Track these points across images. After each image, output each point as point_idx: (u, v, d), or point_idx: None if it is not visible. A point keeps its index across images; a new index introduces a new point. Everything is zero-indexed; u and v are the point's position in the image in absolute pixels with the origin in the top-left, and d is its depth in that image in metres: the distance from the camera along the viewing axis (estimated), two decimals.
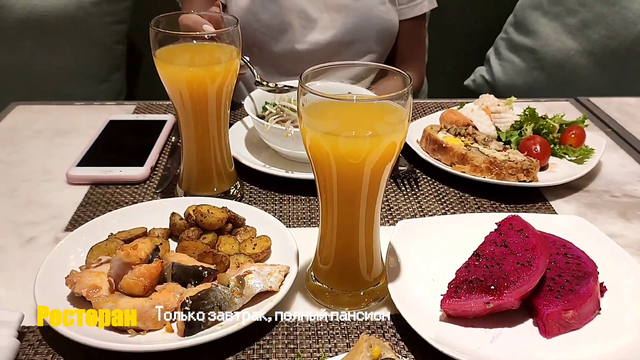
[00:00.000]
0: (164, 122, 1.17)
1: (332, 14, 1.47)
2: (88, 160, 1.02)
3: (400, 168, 1.05)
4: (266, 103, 1.12)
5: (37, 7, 1.80)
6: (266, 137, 1.03)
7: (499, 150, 1.02)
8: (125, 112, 1.26)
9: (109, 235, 0.79)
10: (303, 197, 0.96)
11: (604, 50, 1.80)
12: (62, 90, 1.88)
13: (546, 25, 1.86)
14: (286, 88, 1.08)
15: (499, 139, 1.10)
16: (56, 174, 1.00)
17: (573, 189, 0.99)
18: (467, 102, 1.23)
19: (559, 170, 1.02)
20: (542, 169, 1.03)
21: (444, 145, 1.02)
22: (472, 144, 1.04)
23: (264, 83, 1.07)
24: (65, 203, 0.92)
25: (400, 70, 0.70)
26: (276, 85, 1.08)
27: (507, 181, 0.96)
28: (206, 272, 0.72)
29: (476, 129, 1.10)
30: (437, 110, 1.25)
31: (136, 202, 0.93)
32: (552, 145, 1.06)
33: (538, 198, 0.97)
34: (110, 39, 1.92)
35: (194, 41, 0.88)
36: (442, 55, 2.09)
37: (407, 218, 0.92)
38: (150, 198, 0.95)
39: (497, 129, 1.11)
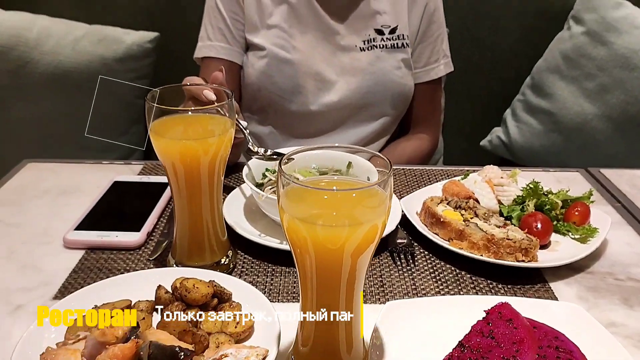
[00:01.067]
0: (166, 184, 1.18)
1: (347, 77, 1.49)
2: (86, 223, 1.04)
3: (398, 241, 1.03)
4: (266, 170, 1.13)
5: (62, 63, 1.87)
6: (263, 206, 1.03)
7: (498, 227, 1.00)
8: (132, 172, 1.28)
9: (92, 308, 0.79)
10: (296, 270, 0.95)
11: (623, 116, 1.77)
12: (81, 142, 1.93)
13: (564, 89, 1.85)
14: (274, 157, 1.08)
15: (501, 213, 1.07)
16: (55, 237, 1.01)
17: (575, 270, 0.95)
18: (474, 170, 1.21)
19: (561, 249, 0.99)
20: (544, 247, 1.00)
21: (442, 219, 1.00)
22: (471, 218, 1.02)
23: (254, 150, 1.07)
24: (59, 268, 0.93)
25: (379, 155, 0.70)
26: (265, 152, 1.08)
27: (505, 261, 0.93)
28: (183, 353, 0.70)
29: (478, 202, 1.08)
30: (442, 179, 1.24)
31: (129, 270, 0.94)
32: (555, 222, 1.03)
33: (537, 279, 0.93)
34: (132, 94, 1.97)
35: (189, 112, 0.90)
36: (459, 114, 2.08)
37: (399, 297, 0.89)
38: (143, 266, 0.96)
39: (500, 202, 1.09)
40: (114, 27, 1.96)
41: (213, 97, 0.99)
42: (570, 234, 1.02)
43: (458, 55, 1.94)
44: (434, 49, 1.59)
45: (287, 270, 0.95)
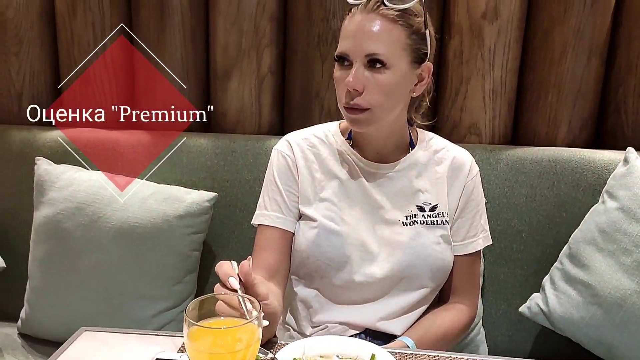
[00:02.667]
0: None
1: (390, 250, 1.61)
2: None
3: None
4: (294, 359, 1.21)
5: (129, 218, 2.10)
6: None
7: None
8: (174, 345, 1.39)
9: None
10: None
11: None
12: (139, 291, 2.10)
13: (601, 262, 1.87)
14: None
15: None
16: None
17: None
18: None
19: None
20: None
21: None
22: None
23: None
24: None
25: None
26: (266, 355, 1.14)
27: None
28: None
29: None
30: None
31: None
32: None
33: None
34: (188, 247, 2.16)
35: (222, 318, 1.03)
36: (498, 276, 2.12)
37: None
38: None
39: None
40: (178, 187, 2.19)
41: (236, 286, 1.13)
42: None
43: (497, 220, 2.03)
44: (472, 224, 1.69)
45: None
